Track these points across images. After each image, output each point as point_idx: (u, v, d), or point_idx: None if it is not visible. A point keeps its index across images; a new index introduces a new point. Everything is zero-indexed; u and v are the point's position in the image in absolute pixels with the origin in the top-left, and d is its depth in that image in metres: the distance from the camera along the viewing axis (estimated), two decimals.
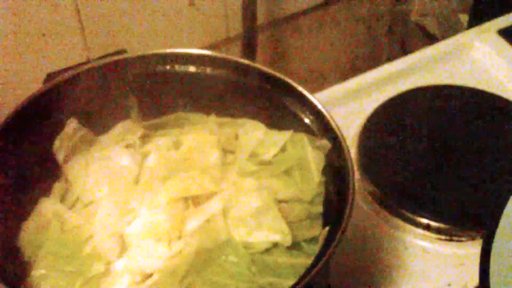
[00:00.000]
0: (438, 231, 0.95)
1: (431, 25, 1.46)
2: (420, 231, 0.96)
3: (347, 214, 0.69)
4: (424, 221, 0.95)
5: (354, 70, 1.44)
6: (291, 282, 0.68)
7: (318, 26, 1.39)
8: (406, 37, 1.52)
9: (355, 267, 0.93)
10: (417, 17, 1.49)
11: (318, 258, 0.69)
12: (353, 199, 0.71)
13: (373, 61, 1.45)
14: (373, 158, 1.01)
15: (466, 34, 1.22)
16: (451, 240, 0.95)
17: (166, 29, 1.13)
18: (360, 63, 1.50)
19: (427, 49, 1.20)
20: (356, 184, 0.95)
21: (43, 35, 1.02)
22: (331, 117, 0.77)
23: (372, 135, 1.04)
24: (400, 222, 0.97)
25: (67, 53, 1.03)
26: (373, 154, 1.02)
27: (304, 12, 1.33)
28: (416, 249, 0.95)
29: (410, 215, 0.96)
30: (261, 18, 1.23)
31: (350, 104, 1.12)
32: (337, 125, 0.77)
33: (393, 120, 1.07)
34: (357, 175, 1.00)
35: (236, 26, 1.21)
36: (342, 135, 0.76)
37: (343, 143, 0.75)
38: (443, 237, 0.95)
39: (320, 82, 1.43)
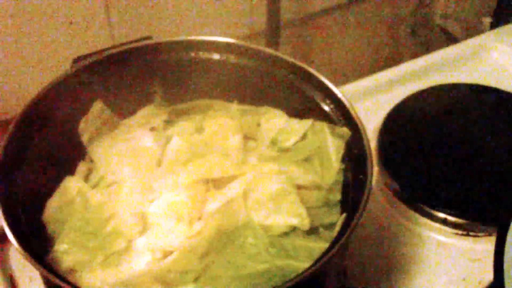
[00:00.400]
0: (455, 225, 0.96)
1: (454, 28, 1.47)
2: (437, 225, 0.96)
3: (365, 199, 0.70)
4: (441, 215, 0.96)
5: (376, 71, 1.45)
6: (308, 264, 0.69)
7: (341, 25, 1.40)
8: (429, 40, 1.53)
9: (372, 258, 0.94)
10: (440, 20, 1.50)
11: (334, 242, 0.70)
12: (370, 186, 0.72)
13: (395, 63, 1.46)
14: (393, 152, 1.02)
15: (487, 35, 1.23)
16: (467, 235, 0.95)
17: (191, 21, 1.15)
18: (382, 64, 1.50)
19: (449, 48, 1.22)
20: (375, 178, 0.97)
21: (71, 23, 1.04)
22: (351, 105, 0.79)
23: (392, 130, 1.05)
24: (417, 216, 0.97)
25: (93, 40, 1.05)
26: (393, 148, 1.03)
27: (328, 11, 1.34)
28: (433, 243, 0.96)
29: (428, 209, 0.97)
30: (285, 15, 1.24)
31: (371, 99, 1.13)
32: (357, 114, 0.78)
33: (413, 116, 1.08)
34: (376, 169, 1.01)
35: (260, 22, 1.23)
36: (362, 123, 0.77)
37: (362, 131, 0.76)
38: (459, 231, 0.96)
39: (341, 81, 1.44)
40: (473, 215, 0.95)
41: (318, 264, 0.67)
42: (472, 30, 1.44)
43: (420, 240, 0.96)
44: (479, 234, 0.95)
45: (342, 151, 0.79)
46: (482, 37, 1.23)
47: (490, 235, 0.95)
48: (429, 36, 1.53)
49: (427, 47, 1.54)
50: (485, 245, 0.94)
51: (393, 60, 1.52)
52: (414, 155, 1.03)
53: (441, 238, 0.96)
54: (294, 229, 0.76)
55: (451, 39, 1.48)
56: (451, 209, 0.96)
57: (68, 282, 0.67)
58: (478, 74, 1.18)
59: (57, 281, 0.65)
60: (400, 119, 1.07)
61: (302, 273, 0.66)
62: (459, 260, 0.94)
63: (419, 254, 0.95)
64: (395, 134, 1.05)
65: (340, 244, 0.69)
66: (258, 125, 0.86)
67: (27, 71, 1.05)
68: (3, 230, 0.91)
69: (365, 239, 0.96)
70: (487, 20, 1.41)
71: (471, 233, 0.95)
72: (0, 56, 1.02)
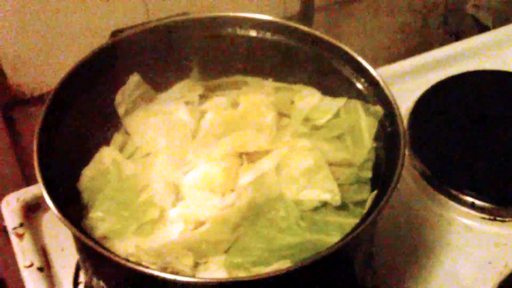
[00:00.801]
0: (482, 210, 0.96)
1: (486, 17, 1.47)
2: (464, 209, 0.97)
3: (397, 176, 0.71)
4: (469, 199, 0.97)
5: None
6: (338, 239, 0.70)
7: (373, 13, 1.40)
8: (460, 29, 1.53)
9: (399, 240, 0.95)
10: (472, 9, 1.50)
11: (365, 218, 0.71)
12: (402, 163, 0.72)
13: (426, 51, 1.46)
14: (423, 136, 1.03)
15: None
16: (494, 219, 0.96)
17: (224, 4, 1.16)
18: (413, 52, 1.50)
19: (480, 36, 1.22)
20: (406, 160, 0.97)
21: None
22: (385, 84, 0.79)
23: (422, 114, 1.06)
24: (445, 200, 0.98)
25: (129, 16, 1.06)
26: (423, 132, 1.04)
27: None
28: (460, 226, 0.97)
29: (456, 193, 0.97)
30: (318, 0, 1.25)
31: (402, 84, 1.13)
32: (391, 92, 0.79)
33: (444, 101, 1.09)
34: (406, 152, 1.02)
35: (294, 6, 1.23)
36: (395, 101, 0.78)
37: (396, 110, 0.77)
38: (486, 216, 0.96)
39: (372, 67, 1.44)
40: (501, 200, 0.96)
41: (349, 237, 0.68)
42: (503, 20, 1.44)
43: (447, 223, 0.97)
44: (506, 219, 0.96)
45: (375, 129, 0.80)
46: None
47: None
48: (460, 25, 1.53)
49: (458, 36, 1.54)
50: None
51: (424, 48, 1.52)
52: (443, 139, 1.03)
53: (468, 222, 0.97)
54: (325, 204, 0.77)
55: (482, 28, 1.48)
56: (479, 194, 0.96)
57: (103, 247, 0.68)
58: (509, 62, 1.18)
59: (92, 245, 0.66)
60: (430, 104, 1.07)
61: (332, 246, 0.67)
62: (485, 244, 0.95)
63: (445, 237, 0.96)
64: (425, 118, 1.05)
65: (371, 219, 0.70)
66: (292, 102, 0.86)
67: (66, 46, 1.07)
68: (36, 199, 0.94)
69: (393, 221, 0.97)
70: None
71: (498, 218, 0.96)
72: (39, 31, 1.04)
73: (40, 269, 0.90)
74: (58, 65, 1.08)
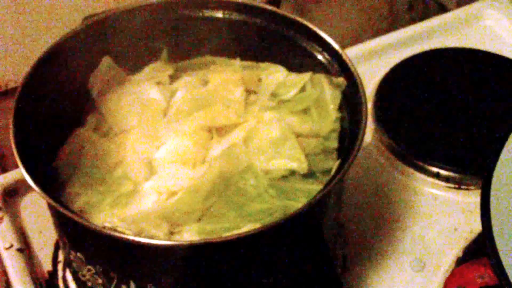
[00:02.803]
0: (447, 179, 1.00)
1: (450, 3, 1.50)
2: (430, 179, 1.01)
3: (359, 140, 0.74)
4: (434, 169, 1.00)
5: None
6: None
7: None
8: (426, 14, 1.56)
9: (368, 211, 0.98)
10: None
11: (328, 182, 0.74)
12: (365, 128, 0.76)
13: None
14: (388, 111, 1.07)
15: (481, 3, 1.27)
16: (459, 188, 1.00)
17: None
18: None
19: (443, 16, 1.26)
20: (371, 135, 1.01)
21: None
22: (347, 56, 0.83)
23: (388, 91, 1.10)
24: (411, 171, 1.02)
25: (99, 4, 1.09)
26: (388, 107, 1.07)
27: None
28: (426, 196, 1.00)
29: (421, 164, 1.01)
30: None
31: (367, 64, 1.17)
32: (352, 63, 0.82)
33: (408, 78, 1.12)
34: (372, 127, 1.06)
35: None
36: (357, 72, 0.81)
37: (358, 79, 0.80)
38: (451, 185, 1.00)
39: None
40: (464, 169, 1.00)
41: (314, 200, 0.71)
42: (467, 3, 1.48)
43: (414, 193, 1.00)
44: (470, 187, 1.00)
45: (339, 100, 0.83)
46: (474, 5, 1.27)
47: (480, 188, 0.98)
48: (425, 10, 1.56)
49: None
50: (476, 198, 0.97)
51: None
52: (408, 114, 1.07)
53: (434, 191, 1.00)
54: (293, 173, 0.80)
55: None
56: (444, 164, 1.00)
57: (80, 216, 0.71)
58: (471, 41, 1.22)
59: (70, 215, 0.69)
60: (395, 81, 1.11)
61: (299, 208, 0.70)
62: (451, 211, 0.98)
63: (413, 206, 0.99)
64: (390, 95, 1.09)
65: (334, 182, 0.73)
66: (259, 80, 0.89)
67: (39, 37, 1.09)
68: (13, 184, 0.96)
69: (362, 193, 1.00)
70: None
71: (462, 187, 1.00)
72: (11, 22, 1.06)
73: (20, 250, 0.92)
74: (33, 56, 1.09)
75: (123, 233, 0.71)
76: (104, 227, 0.71)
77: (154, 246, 0.68)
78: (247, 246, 0.70)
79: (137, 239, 0.67)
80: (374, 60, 1.17)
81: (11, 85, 1.14)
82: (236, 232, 0.73)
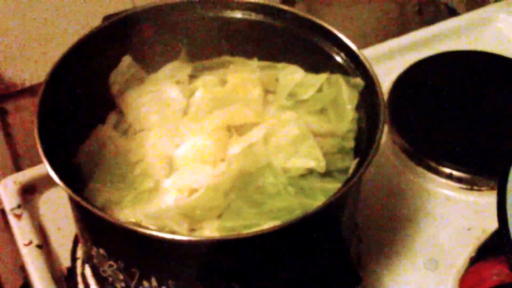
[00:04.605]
0: (459, 180, 1.01)
1: (460, 7, 1.52)
2: (443, 180, 1.02)
3: (377, 139, 0.75)
4: (447, 170, 1.02)
5: None
6: None
7: (350, 1, 1.44)
8: (435, 18, 1.57)
9: (382, 211, 1.00)
10: None
11: (347, 181, 0.75)
12: (382, 130, 0.77)
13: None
14: (402, 113, 1.08)
15: (491, 7, 1.28)
16: (471, 189, 1.01)
17: None
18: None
19: (452, 19, 1.27)
20: (385, 137, 1.02)
21: None
22: (364, 56, 0.84)
23: (401, 92, 1.11)
24: (425, 172, 1.03)
25: (117, 5, 1.10)
26: (402, 109, 1.09)
27: None
28: (439, 196, 1.02)
29: (434, 165, 1.02)
30: None
31: (379, 66, 1.17)
32: (370, 64, 0.83)
33: (420, 80, 1.14)
34: (386, 128, 1.07)
35: None
36: (374, 73, 0.82)
37: (375, 80, 0.81)
38: (464, 186, 1.01)
39: None
40: (477, 170, 1.01)
41: (333, 198, 0.72)
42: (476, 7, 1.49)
43: (427, 194, 1.02)
44: (482, 188, 1.01)
45: (356, 101, 0.84)
46: (485, 9, 1.28)
47: (492, 188, 1.00)
48: (435, 14, 1.58)
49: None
50: (488, 198, 1.00)
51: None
52: (421, 115, 1.08)
53: (447, 192, 1.01)
54: (311, 171, 0.81)
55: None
56: (456, 165, 1.01)
57: (105, 213, 0.72)
58: (482, 44, 1.23)
59: (94, 210, 0.70)
60: (408, 83, 1.12)
61: (319, 206, 0.71)
62: (464, 212, 1.00)
63: (426, 207, 1.01)
64: (403, 96, 1.10)
65: (353, 182, 0.74)
66: (277, 80, 0.90)
67: (57, 36, 1.10)
68: (32, 181, 0.98)
69: (376, 194, 1.01)
70: None
71: (475, 187, 1.01)
72: (30, 21, 1.07)
73: (39, 246, 0.93)
74: (49, 55, 1.10)
75: (148, 228, 0.72)
76: (129, 222, 0.72)
77: (178, 242, 0.69)
78: (268, 243, 0.71)
79: (162, 234, 0.68)
80: (384, 63, 1.19)
81: (27, 84, 1.15)
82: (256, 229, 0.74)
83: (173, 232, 0.74)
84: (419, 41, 1.22)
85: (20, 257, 0.95)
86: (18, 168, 1.21)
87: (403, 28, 1.55)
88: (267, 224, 0.74)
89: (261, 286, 0.74)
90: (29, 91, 1.17)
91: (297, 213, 0.76)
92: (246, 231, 0.74)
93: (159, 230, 0.73)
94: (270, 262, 0.74)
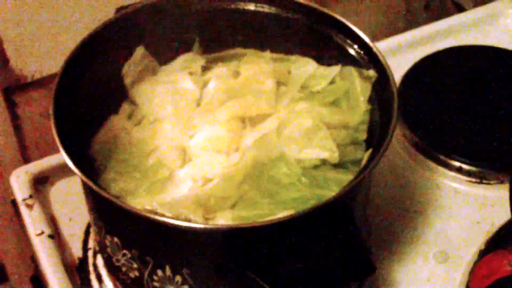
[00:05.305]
0: (469, 173, 1.02)
1: (467, 3, 1.52)
2: (452, 173, 1.03)
3: (391, 130, 0.76)
4: (457, 164, 1.02)
5: None
6: None
7: None
8: (442, 14, 1.58)
9: (392, 205, 1.00)
10: None
11: (360, 172, 0.76)
12: (395, 121, 0.77)
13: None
14: (411, 107, 1.09)
15: (498, 2, 1.29)
16: (480, 182, 1.02)
17: None
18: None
19: (460, 15, 1.28)
20: (396, 130, 1.02)
21: None
22: (377, 48, 0.84)
23: (410, 87, 1.12)
24: (434, 165, 1.04)
25: None
26: (411, 103, 1.09)
27: None
28: (448, 190, 1.02)
29: (444, 159, 1.03)
30: None
31: (388, 61, 1.18)
32: (382, 56, 0.83)
33: (429, 74, 1.14)
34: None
35: None
36: (387, 64, 0.82)
37: (388, 72, 0.82)
38: (473, 179, 1.02)
39: None
40: (486, 164, 1.02)
41: (347, 188, 0.73)
42: (483, 3, 1.49)
43: (437, 188, 1.02)
44: (491, 182, 1.01)
45: (369, 92, 0.85)
46: (493, 4, 1.28)
47: (501, 182, 1.01)
48: (442, 10, 1.58)
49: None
50: (497, 192, 1.00)
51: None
52: (430, 109, 1.09)
53: (456, 185, 1.02)
54: (324, 162, 0.82)
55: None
56: (466, 158, 1.02)
57: (121, 201, 0.73)
58: (490, 39, 1.24)
59: (110, 198, 0.71)
60: (417, 77, 1.13)
61: (334, 196, 0.72)
62: (473, 206, 1.00)
63: (435, 201, 1.01)
64: (413, 91, 1.11)
65: (366, 173, 0.75)
66: (289, 72, 0.91)
67: (67, 28, 1.10)
68: (43, 172, 0.98)
69: (386, 187, 1.02)
70: None
71: (484, 181, 1.02)
72: (41, 13, 1.07)
73: (51, 236, 0.94)
74: (60, 47, 1.11)
75: (164, 216, 0.72)
76: (145, 210, 0.72)
77: (195, 229, 0.70)
78: (283, 232, 0.71)
79: (178, 222, 0.69)
80: (392, 58, 1.18)
81: (36, 76, 1.15)
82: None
83: (188, 221, 0.74)
84: (425, 36, 1.22)
85: (30, 247, 0.96)
86: (26, 159, 1.21)
87: (410, 24, 1.56)
88: (281, 214, 0.75)
89: (275, 275, 0.75)
90: (38, 83, 1.17)
91: (311, 203, 0.76)
92: (260, 220, 0.74)
93: (175, 218, 0.73)
94: (284, 251, 0.74)
